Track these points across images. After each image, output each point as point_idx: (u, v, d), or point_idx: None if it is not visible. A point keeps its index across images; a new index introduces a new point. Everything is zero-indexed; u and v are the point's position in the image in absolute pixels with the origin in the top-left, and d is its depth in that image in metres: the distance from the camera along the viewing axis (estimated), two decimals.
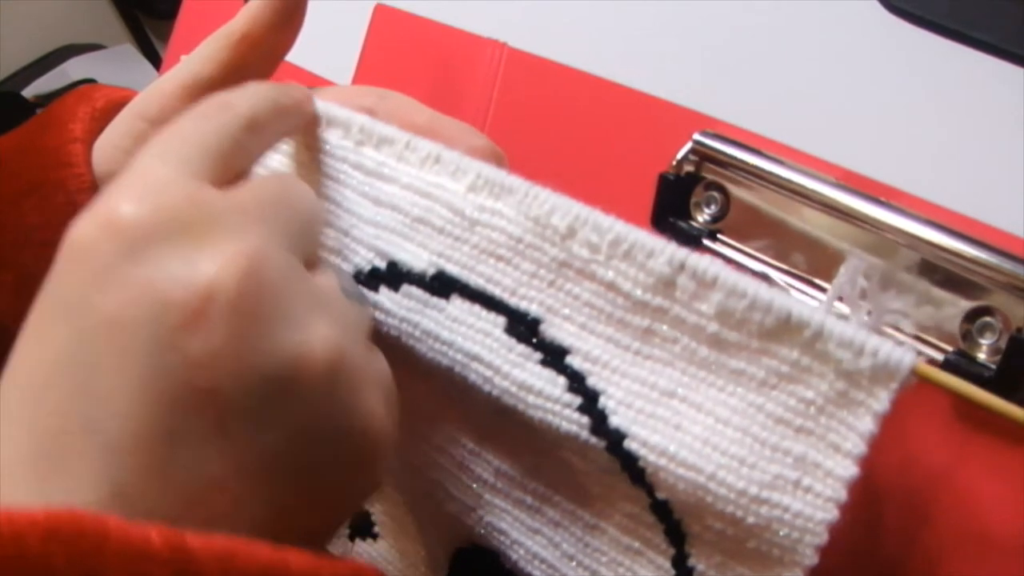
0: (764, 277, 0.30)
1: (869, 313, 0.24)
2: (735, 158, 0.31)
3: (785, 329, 0.23)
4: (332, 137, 0.30)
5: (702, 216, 0.32)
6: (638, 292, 0.25)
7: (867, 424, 0.22)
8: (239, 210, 0.22)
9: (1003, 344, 0.26)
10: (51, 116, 0.34)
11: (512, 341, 0.26)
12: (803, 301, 0.24)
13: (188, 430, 0.20)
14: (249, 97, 0.27)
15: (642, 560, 0.27)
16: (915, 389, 0.23)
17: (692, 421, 0.24)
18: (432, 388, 0.29)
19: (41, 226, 0.31)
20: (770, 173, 0.30)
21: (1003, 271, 0.26)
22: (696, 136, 0.31)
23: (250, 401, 0.20)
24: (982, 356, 0.26)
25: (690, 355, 0.25)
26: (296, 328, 0.21)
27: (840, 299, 0.28)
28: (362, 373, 0.23)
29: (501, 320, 0.27)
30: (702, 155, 0.31)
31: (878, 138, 0.29)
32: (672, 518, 0.25)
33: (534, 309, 0.26)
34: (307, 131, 0.30)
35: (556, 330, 0.26)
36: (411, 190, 0.28)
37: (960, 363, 0.26)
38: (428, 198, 0.28)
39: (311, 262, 0.25)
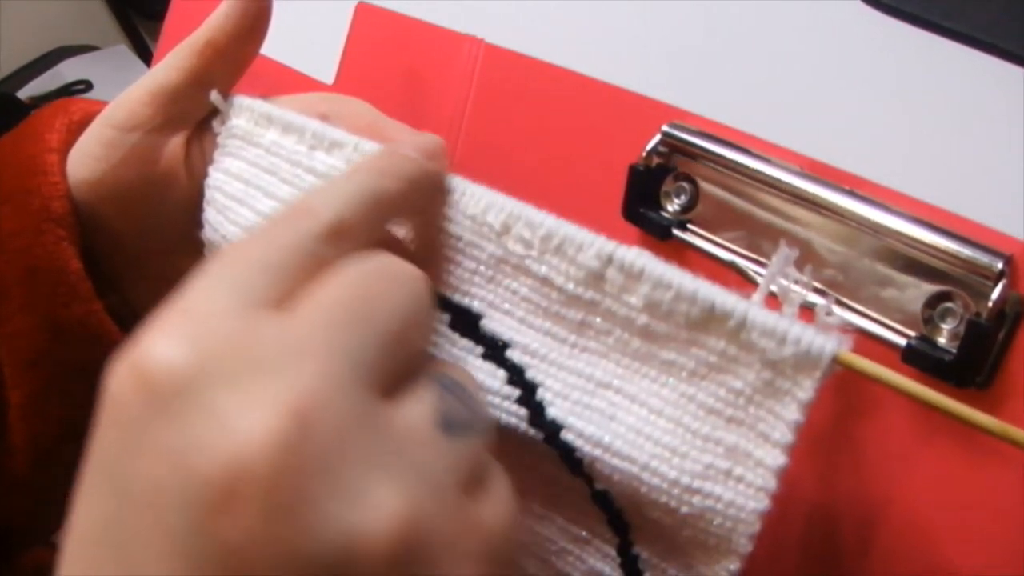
0: (732, 266, 0.31)
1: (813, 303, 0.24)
2: (703, 149, 0.31)
3: (711, 319, 0.23)
4: (288, 142, 0.30)
5: (672, 206, 0.33)
6: (570, 286, 0.25)
7: (793, 413, 0.23)
8: (297, 339, 0.19)
9: (963, 329, 0.26)
10: (29, 127, 0.34)
11: (456, 336, 0.27)
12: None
13: None
14: (338, 195, 0.23)
15: (590, 548, 0.27)
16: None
17: (626, 412, 0.24)
18: None
19: (16, 233, 0.32)
20: (735, 163, 0.30)
21: (963, 257, 0.26)
22: (664, 128, 0.32)
23: None
24: (943, 341, 0.27)
25: (623, 347, 0.25)
26: (351, 500, 0.17)
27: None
28: (447, 541, 0.19)
29: (446, 316, 0.27)
30: (671, 146, 0.32)
31: (853, 130, 0.29)
32: (613, 508, 0.26)
33: (476, 305, 0.27)
34: None
35: (497, 324, 0.26)
36: None
37: (922, 348, 0.27)
38: None
39: (401, 382, 0.21)
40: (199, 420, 0.17)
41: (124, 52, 1.46)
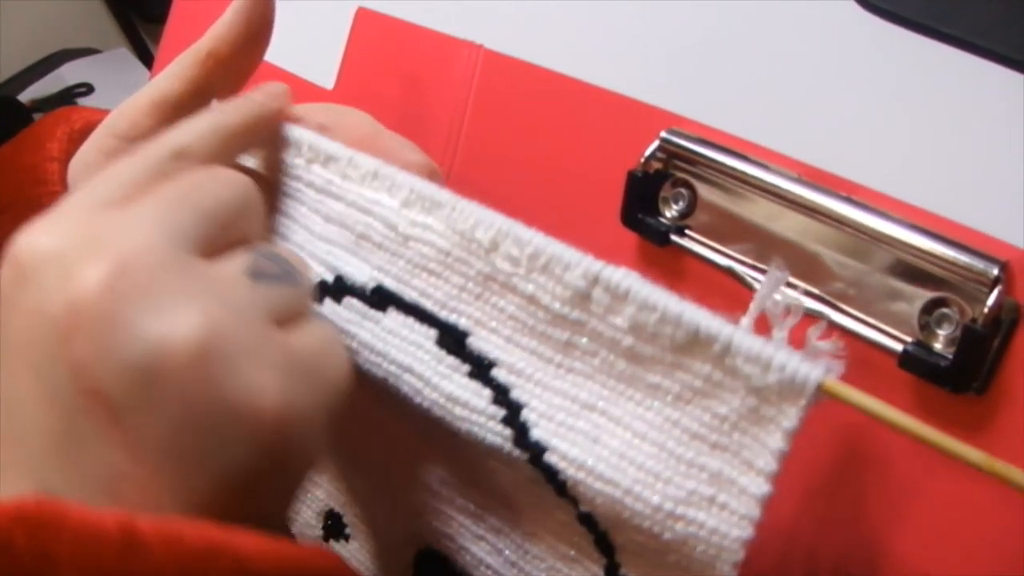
0: (730, 272, 0.31)
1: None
2: (700, 155, 0.31)
3: (696, 343, 0.23)
4: (287, 156, 0.31)
5: (670, 212, 0.33)
6: (556, 305, 0.25)
7: (778, 442, 0.22)
8: (128, 219, 0.23)
9: (959, 335, 0.26)
10: (30, 136, 0.35)
11: (442, 353, 0.27)
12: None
13: (87, 429, 0.22)
14: (184, 128, 0.28)
15: (578, 568, 0.27)
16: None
17: (611, 435, 0.24)
18: (379, 399, 0.29)
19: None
20: (733, 169, 0.30)
21: (959, 263, 0.26)
22: (663, 134, 0.32)
23: (129, 393, 0.21)
24: (939, 346, 0.27)
25: (609, 368, 0.24)
26: (160, 318, 0.22)
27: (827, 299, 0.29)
28: (244, 351, 0.22)
29: (433, 333, 0.27)
30: (669, 152, 0.32)
31: (850, 135, 0.29)
32: (599, 529, 0.25)
33: (463, 322, 0.26)
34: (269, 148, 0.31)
35: (483, 343, 0.26)
36: (354, 207, 0.29)
37: (918, 353, 0.27)
38: (368, 214, 0.28)
39: (220, 249, 0.25)
40: (50, 279, 0.22)
41: (125, 55, 1.46)
